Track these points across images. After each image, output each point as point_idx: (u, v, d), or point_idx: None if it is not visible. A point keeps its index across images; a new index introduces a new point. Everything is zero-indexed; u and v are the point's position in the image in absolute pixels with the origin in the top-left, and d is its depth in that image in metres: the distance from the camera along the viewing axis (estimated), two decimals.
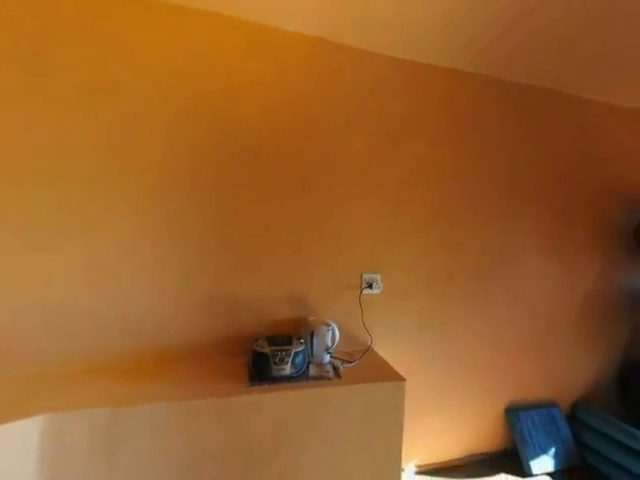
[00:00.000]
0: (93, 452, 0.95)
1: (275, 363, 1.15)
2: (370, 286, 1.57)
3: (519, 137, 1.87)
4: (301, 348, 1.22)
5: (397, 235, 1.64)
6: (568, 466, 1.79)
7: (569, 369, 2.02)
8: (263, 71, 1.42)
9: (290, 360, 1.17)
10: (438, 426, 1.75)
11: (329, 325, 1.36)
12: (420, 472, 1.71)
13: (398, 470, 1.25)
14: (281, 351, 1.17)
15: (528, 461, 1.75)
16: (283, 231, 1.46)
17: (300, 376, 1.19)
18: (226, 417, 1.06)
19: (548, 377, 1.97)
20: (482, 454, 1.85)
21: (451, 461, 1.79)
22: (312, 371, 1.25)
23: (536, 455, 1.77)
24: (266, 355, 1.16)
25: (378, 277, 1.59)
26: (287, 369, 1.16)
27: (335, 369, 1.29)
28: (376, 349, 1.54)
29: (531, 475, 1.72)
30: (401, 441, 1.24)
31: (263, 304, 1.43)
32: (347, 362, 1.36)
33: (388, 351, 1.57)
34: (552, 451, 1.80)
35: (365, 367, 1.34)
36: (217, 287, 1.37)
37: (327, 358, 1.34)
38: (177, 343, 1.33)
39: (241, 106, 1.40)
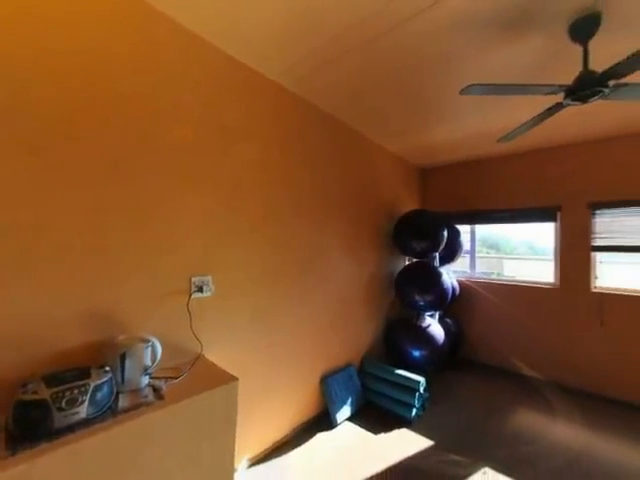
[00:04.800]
0: None
1: (61, 409, 0.85)
2: (200, 289, 1.46)
3: (331, 158, 2.34)
4: (105, 379, 0.96)
5: (231, 235, 1.62)
6: (358, 408, 2.41)
7: (359, 335, 2.72)
8: None
9: (87, 398, 0.89)
10: (267, 412, 1.88)
11: (148, 341, 1.15)
12: (253, 464, 1.78)
13: (231, 474, 1.24)
14: (71, 390, 0.88)
15: (335, 415, 2.21)
16: (76, 229, 1.09)
17: (104, 414, 0.93)
18: None
19: (347, 345, 2.57)
20: (304, 423, 2.15)
21: (281, 440, 1.97)
22: (123, 402, 1.01)
23: (339, 408, 2.27)
24: (43, 402, 0.83)
25: (209, 279, 1.51)
26: (82, 411, 0.88)
27: (156, 391, 1.10)
28: (207, 355, 1.46)
29: (337, 425, 2.19)
30: (234, 442, 1.23)
31: (36, 331, 1.01)
32: (172, 379, 1.20)
33: (220, 354, 1.53)
34: (349, 401, 2.36)
35: (195, 378, 1.23)
36: None
37: (145, 381, 1.13)
38: None
39: None
